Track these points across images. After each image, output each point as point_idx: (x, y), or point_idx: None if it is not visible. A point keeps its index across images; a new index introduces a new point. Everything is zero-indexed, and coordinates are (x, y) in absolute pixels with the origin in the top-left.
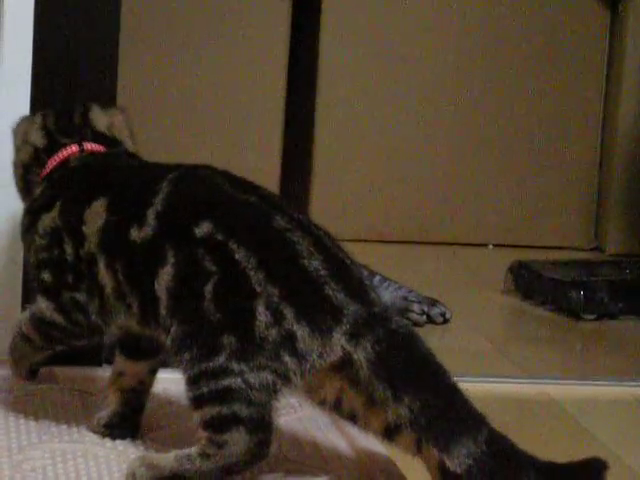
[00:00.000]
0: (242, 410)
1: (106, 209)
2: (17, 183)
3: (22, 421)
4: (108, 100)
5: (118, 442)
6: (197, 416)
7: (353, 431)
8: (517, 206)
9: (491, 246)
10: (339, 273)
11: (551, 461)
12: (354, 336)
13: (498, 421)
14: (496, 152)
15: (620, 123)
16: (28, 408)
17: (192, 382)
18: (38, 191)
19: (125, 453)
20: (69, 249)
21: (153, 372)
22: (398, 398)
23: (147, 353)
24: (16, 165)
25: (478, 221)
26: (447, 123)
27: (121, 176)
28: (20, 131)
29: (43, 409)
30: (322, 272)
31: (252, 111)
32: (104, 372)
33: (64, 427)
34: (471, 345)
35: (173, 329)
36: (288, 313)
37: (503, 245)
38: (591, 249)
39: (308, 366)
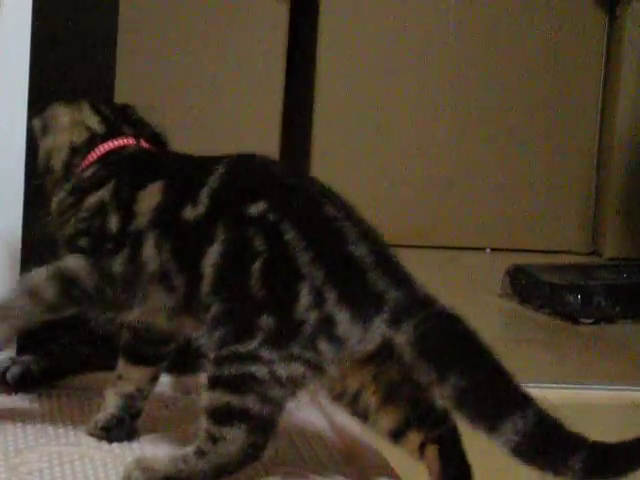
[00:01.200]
0: (254, 405)
1: (161, 190)
2: (52, 167)
3: (19, 424)
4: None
5: (115, 445)
6: (206, 397)
7: (351, 435)
8: (514, 210)
9: (488, 250)
10: (384, 262)
11: (601, 441)
12: (395, 322)
13: None
14: (494, 156)
15: (617, 127)
16: (25, 411)
17: (217, 361)
18: (88, 173)
19: (122, 456)
20: (113, 222)
21: (153, 379)
22: (444, 377)
23: (149, 359)
24: (59, 147)
25: (476, 225)
26: (445, 127)
27: (178, 163)
28: (63, 112)
29: (40, 412)
30: (367, 259)
31: (250, 112)
32: (101, 375)
33: (61, 430)
34: None
35: (214, 307)
36: (330, 296)
37: (500, 249)
38: (588, 253)
39: (345, 353)
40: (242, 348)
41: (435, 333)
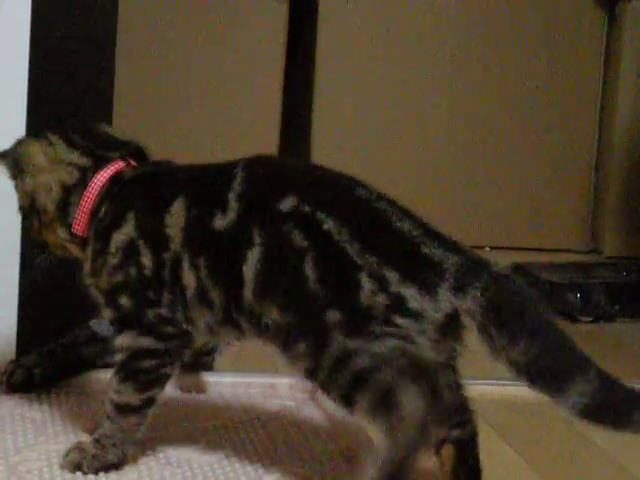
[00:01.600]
0: (386, 375)
1: (185, 207)
2: (42, 208)
3: (18, 422)
4: (105, 100)
5: None
6: (356, 413)
7: (350, 433)
8: (514, 209)
9: (488, 248)
10: (430, 232)
11: None
12: (460, 288)
13: (495, 424)
14: (493, 155)
15: (617, 125)
16: (24, 410)
17: (329, 383)
18: (101, 212)
19: None
20: (147, 261)
21: None
22: (514, 343)
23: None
24: (46, 187)
25: (475, 223)
26: (444, 126)
27: (190, 175)
28: (34, 150)
29: (39, 410)
30: (415, 232)
31: (249, 112)
32: (100, 374)
33: (60, 428)
34: (468, 347)
35: (273, 316)
36: (392, 277)
37: (500, 247)
38: (588, 251)
39: (427, 323)
40: (332, 353)
41: (501, 297)
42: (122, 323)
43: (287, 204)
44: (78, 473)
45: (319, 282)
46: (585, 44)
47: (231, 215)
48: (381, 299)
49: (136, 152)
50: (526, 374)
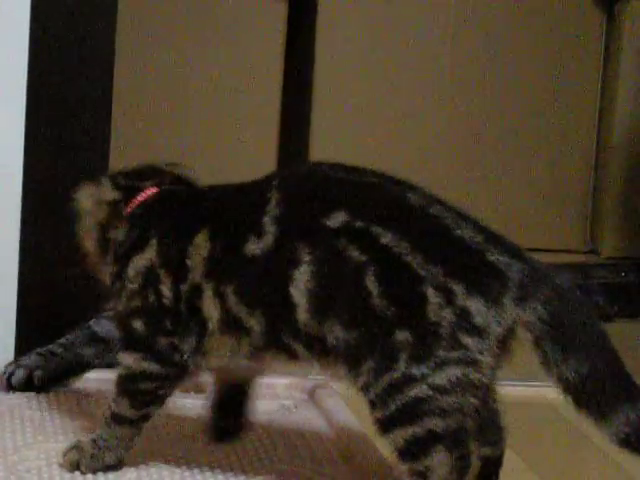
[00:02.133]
0: (437, 424)
1: (209, 238)
2: (91, 249)
3: (17, 421)
4: (104, 100)
5: None
6: (389, 442)
7: (349, 433)
8: (512, 209)
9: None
10: (492, 237)
11: None
12: (522, 299)
13: None
14: (491, 155)
15: (616, 126)
16: (23, 409)
17: (379, 402)
18: (120, 235)
19: None
20: (166, 290)
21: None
22: (566, 360)
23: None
24: (88, 231)
25: None
26: (441, 127)
27: (217, 201)
28: (85, 194)
29: (38, 410)
30: (477, 238)
31: (247, 112)
32: (99, 373)
33: (59, 427)
34: None
35: (333, 334)
36: (458, 289)
37: None
38: (586, 252)
39: (492, 339)
40: (393, 375)
41: (561, 311)
42: (129, 345)
43: (336, 220)
44: (77, 473)
45: (384, 297)
46: (584, 43)
47: (268, 238)
48: (447, 315)
49: (176, 180)
50: (573, 394)
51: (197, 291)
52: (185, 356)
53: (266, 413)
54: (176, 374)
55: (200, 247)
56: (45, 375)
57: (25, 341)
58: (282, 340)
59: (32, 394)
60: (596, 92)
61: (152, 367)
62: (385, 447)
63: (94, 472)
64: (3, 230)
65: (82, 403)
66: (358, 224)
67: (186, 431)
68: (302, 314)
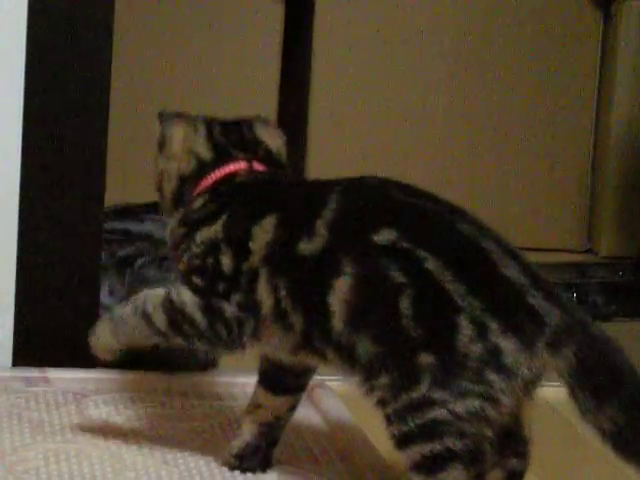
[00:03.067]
0: (455, 443)
1: (275, 225)
2: (164, 192)
3: (15, 422)
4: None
5: (111, 443)
6: (404, 457)
7: (346, 431)
8: (509, 208)
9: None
10: (536, 279)
11: None
12: (555, 346)
13: None
14: (488, 154)
15: (613, 125)
16: (21, 409)
17: (396, 418)
18: (197, 203)
19: (118, 454)
20: (226, 261)
21: (292, 409)
22: (602, 409)
23: (289, 388)
24: (169, 174)
25: None
26: (439, 127)
27: (289, 193)
28: (178, 136)
29: (36, 410)
30: (522, 280)
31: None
32: (97, 374)
33: (57, 428)
34: None
35: (362, 346)
36: (493, 326)
37: None
38: (584, 251)
39: (518, 381)
40: (413, 395)
41: (594, 360)
42: (190, 287)
43: (384, 237)
44: (75, 473)
45: (415, 320)
46: (580, 43)
47: (318, 241)
48: (477, 348)
49: (265, 156)
50: (611, 442)
51: (255, 274)
52: (234, 334)
53: None
54: (213, 341)
55: (265, 231)
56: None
57: (23, 348)
58: (315, 343)
59: (30, 395)
60: (593, 92)
61: (201, 320)
62: (382, 446)
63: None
64: (1, 237)
65: (81, 403)
66: (404, 244)
67: (184, 431)
68: (337, 323)
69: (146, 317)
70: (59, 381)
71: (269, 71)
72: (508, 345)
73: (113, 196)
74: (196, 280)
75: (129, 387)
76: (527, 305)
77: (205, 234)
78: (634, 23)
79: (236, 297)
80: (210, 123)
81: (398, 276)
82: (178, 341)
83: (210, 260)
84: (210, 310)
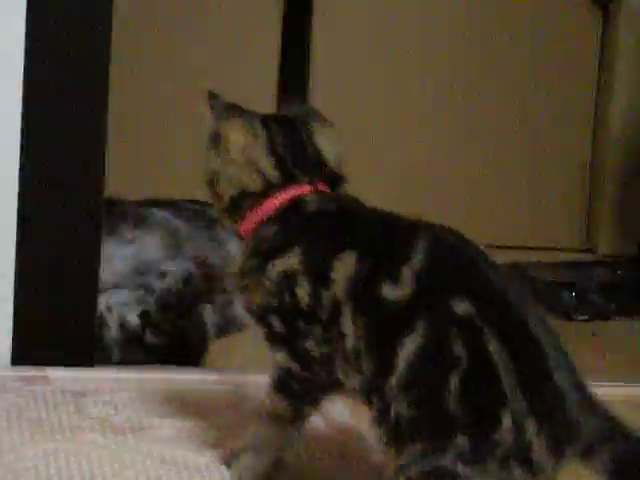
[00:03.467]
0: None
1: (356, 261)
2: (219, 194)
3: (14, 421)
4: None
5: (111, 441)
6: None
7: (346, 430)
8: (508, 207)
9: (482, 247)
10: (578, 385)
11: None
12: (590, 452)
13: None
14: (488, 153)
15: (611, 124)
16: (20, 408)
17: (415, 477)
18: (267, 232)
19: (118, 452)
20: (305, 295)
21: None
22: None
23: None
24: (228, 179)
25: (470, 222)
26: (440, 125)
27: (366, 227)
28: (237, 141)
29: (35, 409)
30: (565, 385)
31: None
32: (96, 373)
33: (56, 427)
34: None
35: (402, 407)
36: (530, 426)
37: (495, 246)
38: (583, 250)
39: (540, 478)
40: (436, 461)
41: (633, 468)
42: (274, 340)
43: (461, 307)
44: (75, 472)
45: (461, 400)
46: (580, 40)
47: (402, 291)
48: (510, 440)
49: (330, 178)
50: None
51: (338, 306)
52: (327, 369)
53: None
54: (320, 381)
55: (346, 265)
56: None
57: (22, 347)
58: (372, 392)
59: (29, 394)
60: (592, 91)
61: (295, 367)
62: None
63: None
64: (0, 229)
65: (79, 402)
66: (477, 322)
67: (182, 430)
68: (394, 380)
69: (271, 415)
70: (58, 380)
71: (267, 69)
72: (541, 446)
73: (113, 194)
74: (273, 322)
75: (128, 386)
76: (566, 413)
77: (278, 267)
78: (633, 21)
79: (318, 330)
80: (268, 126)
81: (459, 351)
82: (311, 409)
83: (287, 296)
84: (298, 354)
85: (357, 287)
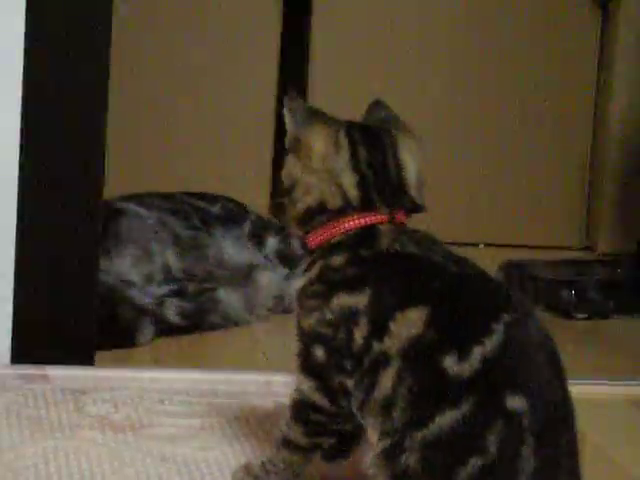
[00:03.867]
0: None
1: (425, 322)
2: (292, 201)
3: (14, 419)
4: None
5: (110, 439)
6: None
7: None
8: (508, 205)
9: (482, 245)
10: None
11: None
12: None
13: None
14: (487, 152)
15: (611, 123)
16: (20, 406)
17: None
18: (337, 260)
19: (117, 450)
20: (360, 338)
21: None
22: None
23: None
24: (307, 189)
25: (469, 221)
26: (437, 124)
27: (446, 284)
28: (318, 149)
29: (35, 407)
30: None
31: (243, 110)
32: (95, 371)
33: (56, 425)
34: None
35: (414, 460)
36: None
37: (494, 245)
38: (582, 248)
39: None
40: None
41: None
42: (306, 369)
43: (514, 403)
44: (74, 470)
45: None
46: (579, 41)
47: (468, 370)
48: None
49: (409, 206)
50: None
51: (386, 360)
52: (352, 406)
53: (263, 410)
54: (345, 417)
55: (410, 323)
56: None
57: (22, 341)
58: (389, 434)
59: (29, 392)
60: (592, 90)
61: (323, 401)
62: None
63: None
64: (0, 228)
65: (79, 400)
66: (524, 422)
67: (183, 428)
68: (421, 436)
69: (285, 442)
70: (58, 378)
71: (267, 68)
72: None
73: (113, 192)
74: (318, 352)
75: (127, 384)
76: None
77: (343, 301)
78: (632, 20)
79: (358, 374)
80: (352, 137)
81: (492, 443)
82: (328, 439)
83: (342, 333)
84: (331, 388)
85: (417, 349)
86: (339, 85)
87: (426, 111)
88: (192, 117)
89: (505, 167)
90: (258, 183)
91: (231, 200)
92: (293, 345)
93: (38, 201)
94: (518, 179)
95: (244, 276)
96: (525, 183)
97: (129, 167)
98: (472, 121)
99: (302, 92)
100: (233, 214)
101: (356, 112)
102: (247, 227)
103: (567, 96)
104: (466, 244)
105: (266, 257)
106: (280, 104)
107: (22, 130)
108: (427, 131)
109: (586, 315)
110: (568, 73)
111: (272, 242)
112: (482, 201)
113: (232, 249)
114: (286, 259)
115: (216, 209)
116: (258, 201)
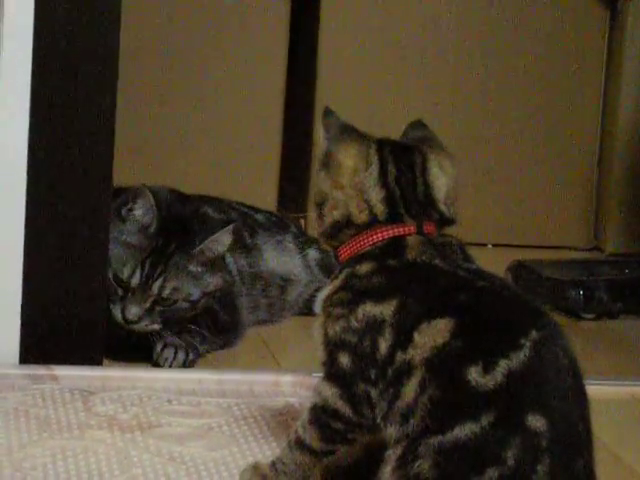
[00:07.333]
0: None
1: (451, 333)
2: (323, 215)
3: (22, 419)
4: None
5: (118, 439)
6: None
7: None
8: (516, 206)
9: (490, 246)
10: None
11: None
12: None
13: None
14: (495, 152)
15: (619, 122)
16: (28, 406)
17: None
18: (364, 268)
19: (125, 450)
20: (384, 347)
21: None
22: None
23: None
24: (335, 204)
25: (477, 221)
26: (445, 123)
27: (473, 297)
28: (347, 166)
29: (43, 407)
30: None
31: (250, 112)
32: (104, 371)
33: (64, 425)
34: None
35: (427, 466)
36: None
37: (502, 245)
38: (590, 248)
39: None
40: None
41: None
42: (331, 376)
43: (535, 422)
44: (82, 470)
45: None
46: (587, 40)
47: (492, 383)
48: None
49: (438, 219)
50: None
51: (409, 370)
52: (375, 414)
53: (271, 410)
54: (367, 426)
55: (436, 332)
56: None
57: (30, 341)
58: (404, 440)
59: (37, 392)
60: (600, 89)
61: (345, 409)
62: None
63: None
64: (8, 228)
65: (88, 400)
66: (544, 442)
67: (191, 428)
68: (437, 442)
69: (299, 444)
70: (66, 378)
71: (275, 71)
72: None
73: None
74: (343, 359)
75: (136, 384)
76: None
77: (370, 310)
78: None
79: (383, 383)
80: (383, 154)
81: (510, 457)
82: (342, 447)
83: (367, 342)
84: (353, 396)
85: (441, 359)
86: (348, 85)
87: (433, 110)
88: (199, 117)
89: (513, 168)
90: (265, 185)
91: (270, 211)
92: (300, 347)
93: (47, 200)
94: (526, 180)
95: (277, 287)
96: (533, 184)
97: (134, 167)
98: (480, 121)
99: (310, 92)
100: (276, 224)
101: (364, 112)
102: (289, 237)
103: (575, 97)
104: (474, 244)
105: (307, 267)
106: (287, 104)
107: (30, 127)
108: (435, 131)
109: (594, 315)
110: (576, 73)
111: (313, 253)
112: (490, 202)
113: (273, 259)
114: (327, 269)
115: (260, 217)
116: (265, 204)
